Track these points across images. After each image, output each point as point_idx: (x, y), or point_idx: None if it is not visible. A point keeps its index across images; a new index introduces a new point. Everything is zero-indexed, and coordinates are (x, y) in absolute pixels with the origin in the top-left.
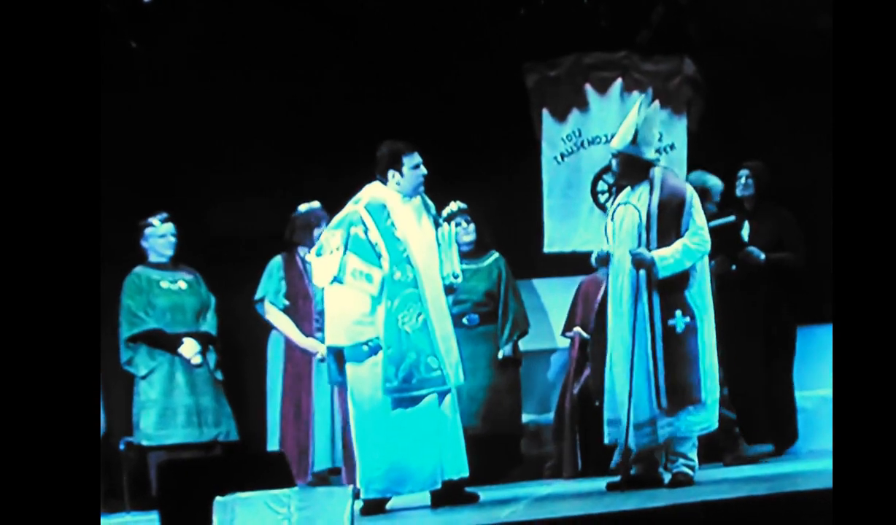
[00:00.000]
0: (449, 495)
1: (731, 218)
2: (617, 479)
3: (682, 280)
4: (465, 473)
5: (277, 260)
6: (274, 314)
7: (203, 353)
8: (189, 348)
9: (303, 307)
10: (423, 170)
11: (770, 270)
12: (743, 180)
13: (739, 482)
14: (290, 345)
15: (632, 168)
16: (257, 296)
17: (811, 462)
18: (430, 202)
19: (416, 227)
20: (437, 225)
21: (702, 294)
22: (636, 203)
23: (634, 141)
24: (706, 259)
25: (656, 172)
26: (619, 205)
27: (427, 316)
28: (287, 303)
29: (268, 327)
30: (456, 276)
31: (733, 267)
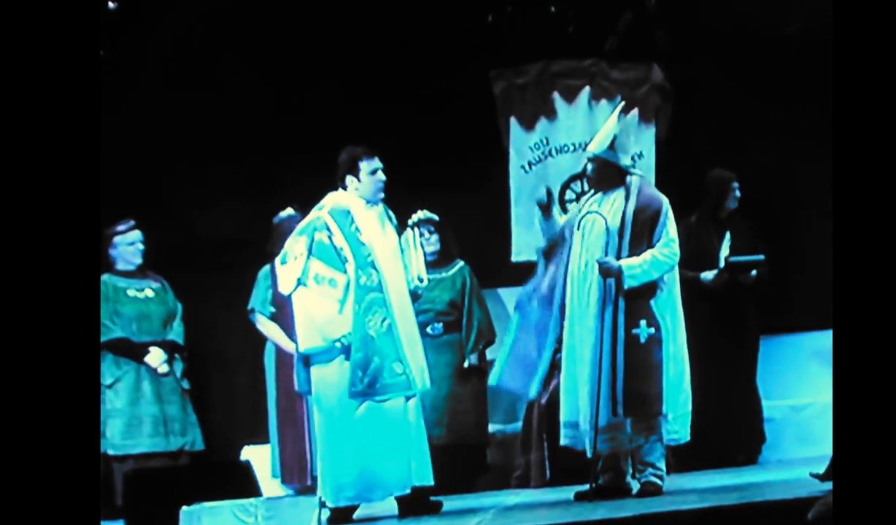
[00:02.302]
0: (414, 504)
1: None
2: (585, 488)
3: (648, 290)
4: (430, 482)
5: (265, 269)
6: (262, 323)
7: (169, 361)
8: (155, 357)
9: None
10: (382, 175)
11: (738, 282)
12: (737, 193)
13: (708, 492)
14: (280, 352)
15: (606, 174)
16: (249, 306)
17: (780, 472)
18: (391, 212)
19: (380, 233)
20: (399, 233)
21: (671, 305)
22: (607, 211)
23: (612, 146)
24: (676, 270)
25: (633, 180)
26: (587, 213)
27: (392, 321)
28: (273, 310)
29: (240, 335)
30: (421, 280)
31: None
